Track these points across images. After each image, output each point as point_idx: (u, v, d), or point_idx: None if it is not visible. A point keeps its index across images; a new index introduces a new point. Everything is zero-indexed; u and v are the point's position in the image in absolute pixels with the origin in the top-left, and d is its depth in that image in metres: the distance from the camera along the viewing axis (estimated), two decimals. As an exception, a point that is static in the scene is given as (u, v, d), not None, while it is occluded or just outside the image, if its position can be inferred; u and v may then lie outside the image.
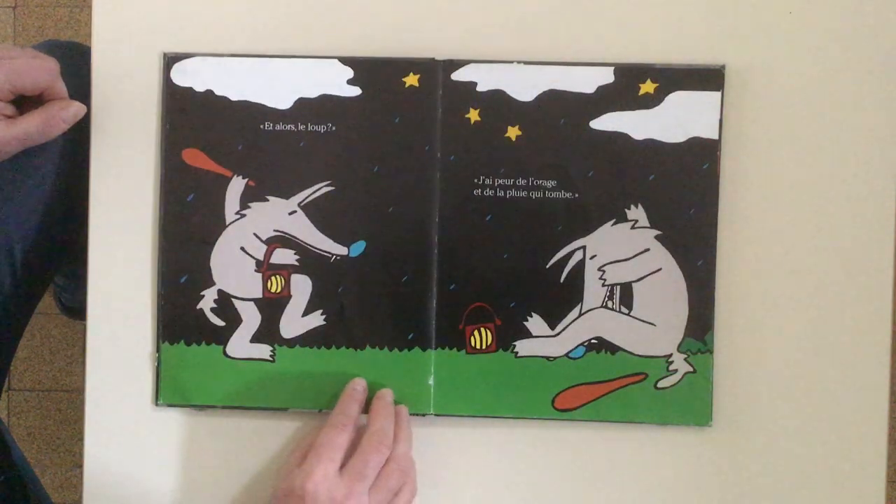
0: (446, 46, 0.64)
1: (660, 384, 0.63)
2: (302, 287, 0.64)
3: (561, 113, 0.63)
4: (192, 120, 0.64)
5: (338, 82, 0.64)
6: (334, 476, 0.58)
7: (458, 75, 0.64)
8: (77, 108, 0.61)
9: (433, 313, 0.64)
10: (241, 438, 0.65)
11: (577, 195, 0.63)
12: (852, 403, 0.63)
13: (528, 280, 0.64)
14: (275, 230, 0.64)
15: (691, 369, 0.63)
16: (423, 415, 0.64)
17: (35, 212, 0.69)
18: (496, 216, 0.64)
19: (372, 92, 0.64)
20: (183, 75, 0.65)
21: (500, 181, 0.64)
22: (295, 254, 0.64)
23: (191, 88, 0.64)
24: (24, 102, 0.61)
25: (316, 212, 0.64)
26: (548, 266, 0.64)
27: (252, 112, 0.64)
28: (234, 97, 0.64)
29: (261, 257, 0.65)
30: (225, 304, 0.64)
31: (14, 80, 0.58)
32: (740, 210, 0.64)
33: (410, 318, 0.64)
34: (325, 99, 0.64)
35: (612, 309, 0.64)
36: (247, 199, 0.64)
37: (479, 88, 0.64)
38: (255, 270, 0.65)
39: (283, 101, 0.64)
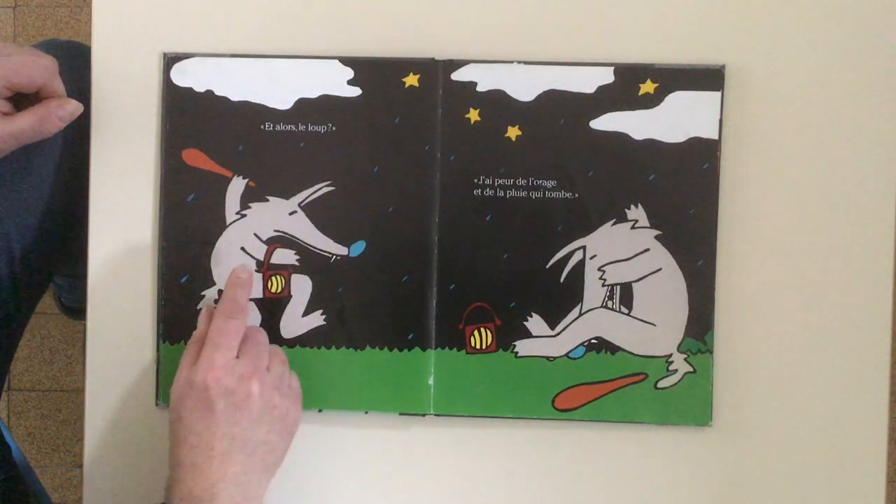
0: (446, 46, 0.64)
1: (660, 384, 0.63)
2: (302, 287, 0.64)
3: (561, 113, 0.63)
4: (192, 120, 0.64)
5: (338, 82, 0.64)
6: (232, 360, 0.57)
7: (458, 75, 0.64)
8: (73, 107, 0.61)
9: (433, 313, 0.64)
10: (241, 438, 0.65)
11: (577, 195, 0.63)
12: (852, 403, 0.63)
13: (528, 280, 0.64)
14: (275, 230, 0.64)
15: (691, 369, 0.63)
16: (423, 415, 0.64)
17: (34, 211, 0.69)
18: (496, 216, 0.64)
19: (372, 92, 0.64)
20: (183, 75, 0.65)
21: (500, 181, 0.64)
22: (295, 254, 0.64)
23: (191, 88, 0.64)
24: (22, 100, 0.61)
25: (316, 212, 0.64)
26: (548, 266, 0.64)
27: (252, 112, 0.64)
28: (234, 97, 0.64)
29: (261, 257, 0.65)
30: (225, 304, 0.64)
31: (10, 76, 0.58)
32: (740, 210, 0.64)
33: (410, 318, 0.64)
34: (326, 99, 0.64)
35: (612, 309, 0.64)
36: (247, 199, 0.64)
37: (479, 88, 0.64)
38: (256, 270, 0.65)
39: (283, 102, 0.64)
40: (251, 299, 0.64)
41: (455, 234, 0.64)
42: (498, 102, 0.64)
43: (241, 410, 0.56)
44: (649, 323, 0.63)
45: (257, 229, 0.65)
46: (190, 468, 0.56)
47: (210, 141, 0.64)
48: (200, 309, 0.64)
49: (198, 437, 0.56)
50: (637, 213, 0.63)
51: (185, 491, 0.55)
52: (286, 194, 0.64)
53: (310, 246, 0.64)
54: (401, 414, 0.64)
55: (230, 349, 0.58)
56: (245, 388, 0.57)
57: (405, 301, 0.64)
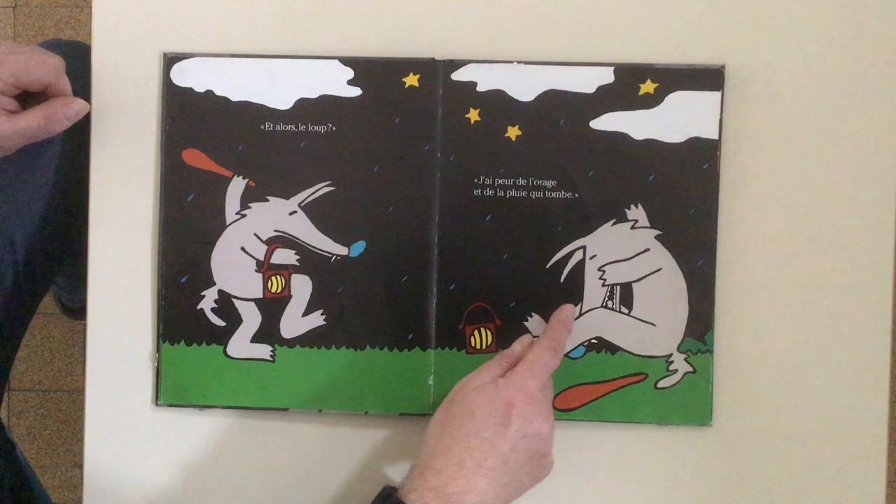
0: (446, 46, 0.64)
1: (660, 384, 0.63)
2: (302, 287, 0.64)
3: (561, 113, 0.63)
4: (192, 120, 0.64)
5: (338, 83, 0.64)
6: (538, 393, 0.57)
7: (458, 75, 0.64)
8: (80, 106, 0.61)
9: (433, 313, 0.64)
10: (241, 438, 0.65)
11: (577, 195, 0.63)
12: (852, 403, 0.63)
13: (528, 280, 0.64)
14: (275, 230, 0.64)
15: (691, 369, 0.63)
16: (423, 415, 0.64)
17: (37, 209, 0.69)
18: (496, 216, 0.64)
19: (372, 92, 0.64)
20: (183, 75, 0.65)
21: (500, 181, 0.64)
22: (295, 254, 0.64)
23: (191, 88, 0.64)
24: (28, 99, 0.61)
25: (316, 212, 0.64)
26: (548, 266, 0.64)
27: (252, 112, 0.64)
28: (234, 97, 0.64)
29: (261, 257, 0.65)
30: (225, 304, 0.65)
31: (18, 75, 0.58)
32: (740, 210, 0.64)
33: (410, 318, 0.64)
34: (326, 99, 0.64)
35: (612, 309, 0.64)
36: (247, 199, 0.64)
37: (479, 88, 0.64)
38: (256, 270, 0.65)
39: (283, 102, 0.64)
40: (251, 300, 0.64)
41: (455, 234, 0.64)
42: (498, 102, 0.64)
43: (525, 442, 0.56)
44: (649, 323, 0.63)
45: (257, 229, 0.65)
46: (456, 464, 0.55)
47: (210, 141, 0.64)
48: (201, 309, 0.64)
49: (479, 441, 0.55)
50: (637, 213, 0.63)
51: (440, 483, 0.54)
52: (286, 194, 0.64)
53: (310, 246, 0.64)
54: (401, 414, 0.64)
55: (540, 381, 0.58)
56: (538, 424, 0.56)
57: (405, 301, 0.64)
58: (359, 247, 0.64)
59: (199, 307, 0.64)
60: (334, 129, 0.64)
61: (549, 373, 0.59)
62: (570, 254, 0.64)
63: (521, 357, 0.60)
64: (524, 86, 0.63)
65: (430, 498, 0.54)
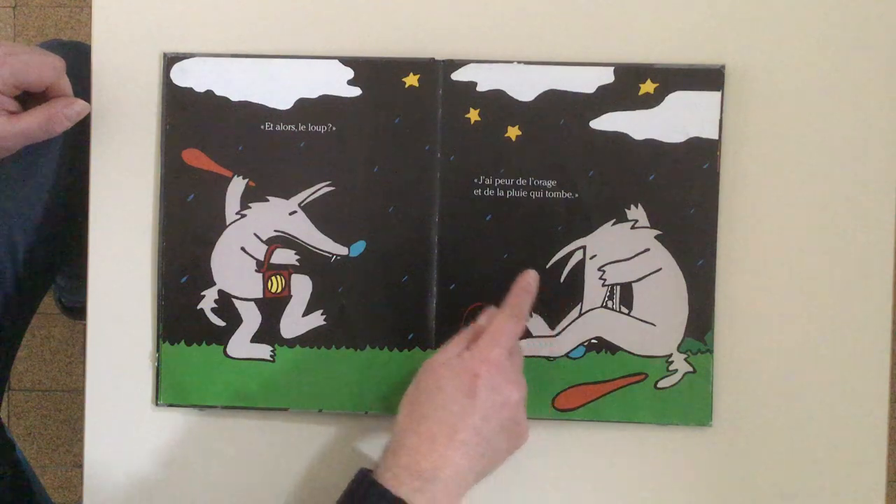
0: (446, 46, 0.64)
1: (660, 384, 0.63)
2: (302, 287, 0.64)
3: (561, 113, 0.63)
4: (192, 120, 0.64)
5: (338, 82, 0.64)
6: (505, 361, 0.57)
7: (458, 75, 0.64)
8: (81, 106, 0.61)
9: (433, 313, 0.64)
10: (241, 438, 0.65)
11: (577, 195, 0.63)
12: (852, 403, 0.63)
13: (529, 280, 0.63)
14: (275, 230, 0.64)
15: (691, 369, 0.63)
16: (424, 415, 0.64)
17: (37, 209, 0.69)
18: (496, 216, 0.64)
19: (372, 92, 0.64)
20: (183, 75, 0.65)
21: (500, 181, 0.64)
22: (295, 254, 0.64)
23: (191, 88, 0.64)
24: (29, 99, 0.61)
25: (316, 212, 0.64)
26: (548, 266, 0.64)
27: (252, 112, 0.64)
28: (234, 97, 0.64)
29: (261, 257, 0.65)
30: (225, 304, 0.65)
31: (19, 76, 0.58)
32: (740, 210, 0.64)
33: (410, 318, 0.64)
34: (326, 99, 0.64)
35: (612, 309, 0.64)
36: (247, 199, 0.64)
37: (479, 88, 0.64)
38: (256, 270, 0.65)
39: (283, 102, 0.64)
40: (251, 300, 0.64)
41: (455, 234, 0.64)
42: (498, 102, 0.64)
43: (495, 411, 0.56)
44: (649, 323, 0.63)
45: (257, 229, 0.65)
46: (428, 440, 0.55)
47: (210, 141, 0.64)
48: (201, 309, 0.64)
49: (448, 415, 0.55)
50: (637, 213, 0.63)
51: (413, 461, 0.54)
52: (286, 194, 0.64)
53: (310, 246, 0.64)
54: (401, 414, 0.64)
55: (505, 349, 0.57)
56: (507, 392, 0.56)
57: (405, 301, 0.64)
58: (359, 247, 0.64)
59: (199, 307, 0.65)
60: (334, 129, 0.64)
61: (514, 340, 0.58)
62: (570, 254, 0.64)
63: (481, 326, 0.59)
64: (524, 86, 0.63)
65: (404, 476, 0.54)
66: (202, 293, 0.65)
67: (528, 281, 0.61)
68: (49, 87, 0.60)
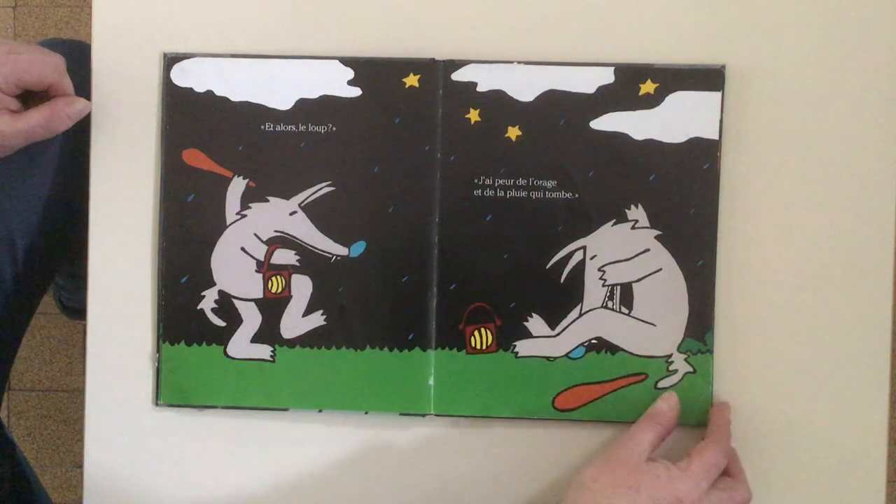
0: (446, 46, 0.64)
1: (660, 384, 0.63)
2: (302, 287, 0.64)
3: (561, 113, 0.63)
4: (192, 120, 0.64)
5: (338, 83, 0.64)
6: (704, 496, 0.57)
7: (458, 75, 0.64)
8: (82, 105, 0.61)
9: (433, 313, 0.64)
10: (241, 438, 0.65)
11: (577, 195, 0.63)
12: (852, 403, 0.63)
13: (529, 280, 0.64)
14: (275, 230, 0.64)
15: (691, 369, 0.63)
16: (423, 415, 0.64)
17: (37, 208, 0.69)
18: (496, 216, 0.64)
19: (372, 92, 0.64)
20: (183, 75, 0.65)
21: (500, 181, 0.64)
22: (295, 254, 0.64)
23: (191, 89, 0.64)
24: (30, 98, 0.61)
25: (316, 212, 0.64)
26: (548, 266, 0.64)
27: (252, 113, 0.64)
28: (234, 98, 0.64)
29: (261, 258, 0.65)
30: (225, 304, 0.65)
31: (20, 74, 0.58)
32: (740, 210, 0.64)
33: (410, 318, 0.64)
34: (326, 99, 0.64)
35: (613, 309, 0.64)
36: (247, 199, 0.64)
37: (479, 88, 0.64)
38: (256, 271, 0.65)
39: (283, 102, 0.64)
40: (252, 300, 0.64)
41: (455, 234, 0.64)
42: (498, 102, 0.64)
43: None
44: (649, 323, 0.63)
45: (257, 229, 0.65)
46: None
47: (210, 141, 0.64)
48: (201, 309, 0.64)
49: None
50: (637, 213, 0.63)
51: None
52: (286, 194, 0.64)
53: (310, 246, 0.64)
54: (401, 414, 0.64)
55: (709, 483, 0.57)
56: None
57: (405, 301, 0.64)
58: (359, 247, 0.64)
59: (199, 307, 0.65)
60: (334, 129, 0.64)
61: (718, 472, 0.59)
62: (571, 254, 0.64)
63: (670, 418, 0.61)
64: (524, 86, 0.63)
65: None
66: (202, 293, 0.65)
67: (727, 413, 0.62)
68: (50, 85, 0.60)
